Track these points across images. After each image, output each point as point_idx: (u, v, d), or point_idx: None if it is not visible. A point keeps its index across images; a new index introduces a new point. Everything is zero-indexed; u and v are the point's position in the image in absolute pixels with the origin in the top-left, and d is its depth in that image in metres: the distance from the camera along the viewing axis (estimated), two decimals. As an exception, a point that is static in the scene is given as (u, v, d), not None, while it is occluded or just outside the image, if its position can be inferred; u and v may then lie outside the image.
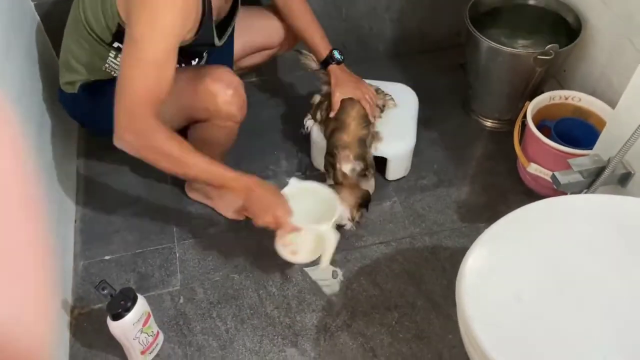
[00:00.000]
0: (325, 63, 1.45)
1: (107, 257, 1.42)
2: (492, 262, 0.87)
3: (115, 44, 1.19)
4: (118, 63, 1.22)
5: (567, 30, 1.52)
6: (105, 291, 1.11)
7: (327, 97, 1.47)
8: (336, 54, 1.44)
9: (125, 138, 1.07)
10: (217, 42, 1.26)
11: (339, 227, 1.34)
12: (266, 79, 1.83)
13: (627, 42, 1.37)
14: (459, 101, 1.76)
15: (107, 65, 1.24)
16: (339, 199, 1.31)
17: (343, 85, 1.43)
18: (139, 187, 1.56)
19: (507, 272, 0.85)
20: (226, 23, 1.29)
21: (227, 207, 1.48)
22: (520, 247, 0.88)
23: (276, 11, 1.49)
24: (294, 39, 1.53)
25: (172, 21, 1.04)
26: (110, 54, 1.22)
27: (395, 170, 1.56)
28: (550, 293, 0.81)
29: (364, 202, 1.38)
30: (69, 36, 1.26)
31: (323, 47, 1.44)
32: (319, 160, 1.59)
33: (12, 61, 1.25)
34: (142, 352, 1.20)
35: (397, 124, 1.52)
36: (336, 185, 1.38)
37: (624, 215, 0.93)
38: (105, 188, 1.56)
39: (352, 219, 1.36)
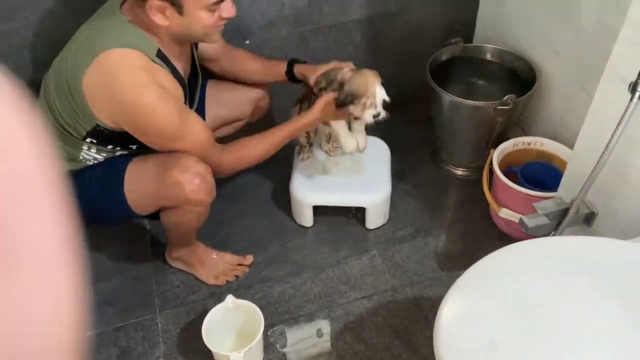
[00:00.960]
0: (290, 72, 1.46)
1: (87, 334, 1.39)
2: (466, 310, 0.89)
3: (88, 139, 1.22)
4: (93, 154, 1.25)
5: (524, 79, 1.60)
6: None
7: (307, 96, 1.47)
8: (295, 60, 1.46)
9: (221, 175, 1.33)
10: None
11: (376, 117, 1.31)
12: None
13: (579, 87, 1.44)
14: (429, 152, 1.82)
15: (82, 156, 1.25)
16: (371, 83, 1.29)
17: (316, 69, 1.40)
18: (118, 259, 1.56)
19: (480, 320, 0.86)
20: (191, 92, 1.34)
21: (208, 274, 1.49)
22: (493, 293, 0.90)
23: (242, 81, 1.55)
24: (263, 108, 1.59)
25: (158, 94, 1.13)
26: (84, 147, 1.24)
27: (375, 218, 1.59)
28: (524, 338, 0.83)
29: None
30: None
31: (280, 64, 1.47)
32: (300, 218, 1.62)
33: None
34: None
35: (371, 174, 1.58)
36: (355, 74, 1.32)
37: (589, 255, 0.96)
38: (83, 261, 1.55)
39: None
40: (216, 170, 1.28)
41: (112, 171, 1.26)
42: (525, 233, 1.22)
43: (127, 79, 1.12)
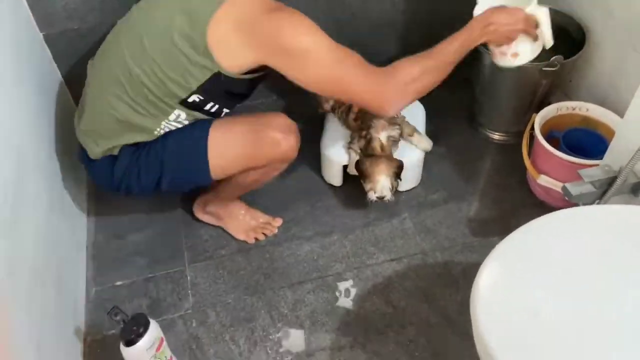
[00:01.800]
0: None
1: (118, 283, 1.42)
2: (506, 277, 0.86)
3: (192, 98, 1.16)
4: (174, 123, 1.20)
5: (571, 41, 1.52)
6: (118, 317, 1.11)
7: None
8: None
9: (392, 108, 1.19)
10: None
11: (380, 199, 1.41)
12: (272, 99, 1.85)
13: (631, 50, 1.36)
14: (466, 115, 1.76)
15: (160, 128, 1.20)
16: (378, 171, 1.39)
17: None
18: (149, 212, 1.56)
19: (521, 287, 0.84)
20: None
21: (237, 228, 1.49)
22: (534, 260, 0.87)
23: None
24: None
25: (303, 17, 1.09)
26: (173, 114, 1.18)
27: (407, 180, 1.56)
28: (567, 306, 0.80)
29: (399, 171, 1.44)
30: (109, 104, 1.19)
31: None
32: (329, 177, 1.59)
33: (23, 91, 1.27)
34: (156, 378, 1.19)
35: None
36: (373, 157, 1.42)
37: (636, 224, 0.91)
38: (116, 214, 1.57)
39: (393, 189, 1.41)
40: (380, 101, 1.16)
41: (193, 137, 1.21)
42: (564, 201, 1.18)
43: (268, 10, 1.08)
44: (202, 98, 1.17)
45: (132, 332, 1.11)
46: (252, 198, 1.56)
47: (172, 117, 1.19)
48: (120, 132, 1.21)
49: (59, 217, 1.33)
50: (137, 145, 1.23)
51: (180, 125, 1.22)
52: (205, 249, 1.48)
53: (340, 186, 1.60)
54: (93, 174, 1.32)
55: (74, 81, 1.61)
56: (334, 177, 1.59)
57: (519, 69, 1.45)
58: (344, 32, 1.72)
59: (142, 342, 1.11)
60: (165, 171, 1.23)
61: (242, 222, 1.49)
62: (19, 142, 1.17)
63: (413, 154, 1.52)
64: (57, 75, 1.55)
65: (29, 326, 1.03)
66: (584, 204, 1.13)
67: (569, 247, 0.88)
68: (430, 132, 1.61)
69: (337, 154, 1.53)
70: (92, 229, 1.54)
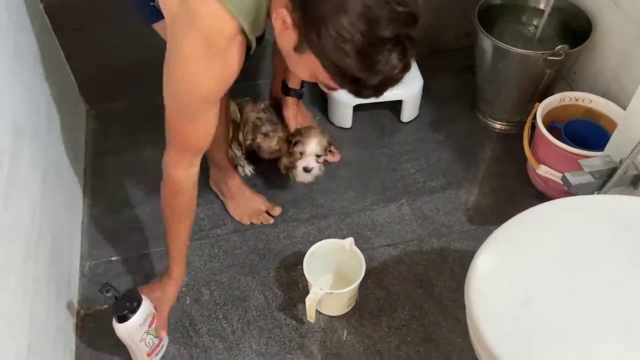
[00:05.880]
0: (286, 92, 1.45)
1: (113, 258, 1.41)
2: (501, 263, 0.86)
3: None
4: None
5: (578, 31, 1.50)
6: (110, 294, 1.10)
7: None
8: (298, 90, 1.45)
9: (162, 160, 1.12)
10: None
11: (307, 170, 1.40)
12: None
13: (638, 43, 1.35)
14: (468, 103, 1.75)
15: None
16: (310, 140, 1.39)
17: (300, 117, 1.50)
18: (145, 188, 1.56)
19: (515, 273, 0.83)
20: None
21: (235, 209, 1.48)
22: (530, 248, 0.87)
23: None
24: None
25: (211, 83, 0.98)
26: None
27: (410, 110, 1.68)
28: (559, 294, 0.80)
29: (328, 147, 1.47)
30: None
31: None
32: (339, 119, 1.69)
33: (20, 62, 1.25)
34: (148, 354, 1.19)
35: None
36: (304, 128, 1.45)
37: (634, 215, 0.91)
38: (112, 189, 1.56)
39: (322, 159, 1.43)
40: (165, 166, 1.11)
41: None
42: (562, 192, 1.17)
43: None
44: None
45: (125, 308, 1.10)
46: (251, 177, 1.56)
47: None
48: None
49: (55, 190, 1.33)
50: None
51: None
52: (202, 227, 1.47)
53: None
54: None
55: (73, 53, 1.60)
56: (345, 118, 1.67)
57: (522, 57, 1.45)
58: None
59: (135, 318, 1.11)
60: None
61: (240, 205, 1.48)
62: (16, 112, 1.16)
63: (413, 87, 1.63)
64: (56, 45, 1.53)
65: (22, 298, 1.03)
66: (583, 195, 1.13)
67: (564, 236, 0.88)
68: (432, 119, 1.60)
69: (345, 95, 1.47)
70: (87, 203, 1.53)
